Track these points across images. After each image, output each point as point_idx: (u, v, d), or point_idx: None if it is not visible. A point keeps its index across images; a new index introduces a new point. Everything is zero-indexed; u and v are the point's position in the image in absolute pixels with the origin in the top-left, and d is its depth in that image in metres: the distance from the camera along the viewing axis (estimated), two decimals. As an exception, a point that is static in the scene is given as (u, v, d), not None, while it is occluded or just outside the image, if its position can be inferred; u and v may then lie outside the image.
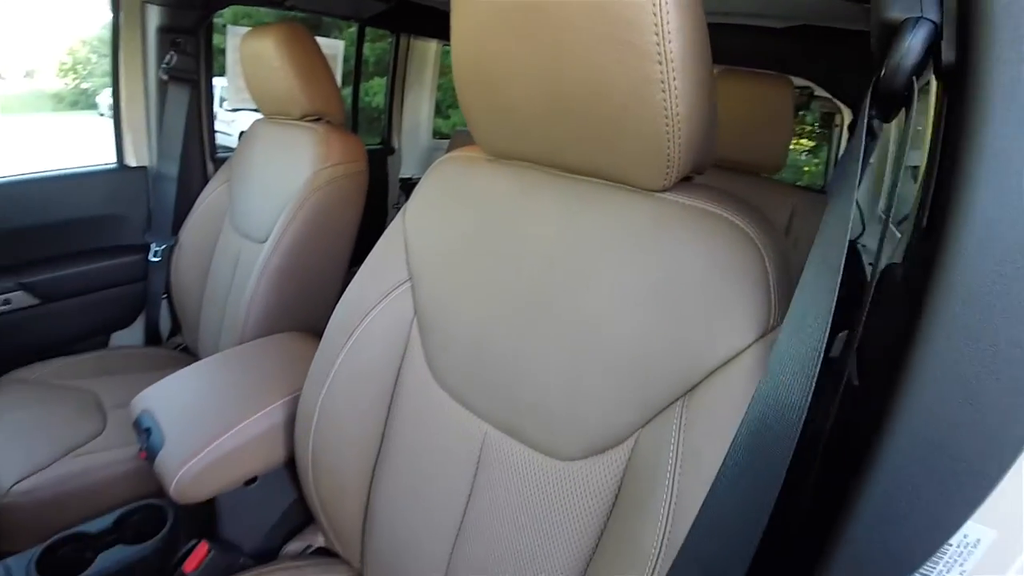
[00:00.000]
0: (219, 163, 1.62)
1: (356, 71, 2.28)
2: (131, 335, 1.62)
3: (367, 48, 2.32)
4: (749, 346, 0.52)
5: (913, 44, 0.39)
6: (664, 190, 0.57)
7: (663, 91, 0.48)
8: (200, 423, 0.87)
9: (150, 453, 0.85)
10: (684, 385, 0.54)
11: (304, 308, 0.87)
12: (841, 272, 0.41)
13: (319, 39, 1.35)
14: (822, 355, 0.40)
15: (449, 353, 0.72)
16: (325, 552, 0.91)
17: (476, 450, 0.69)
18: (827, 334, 0.41)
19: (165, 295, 1.57)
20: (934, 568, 0.40)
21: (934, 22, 0.39)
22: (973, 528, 0.38)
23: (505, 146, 0.68)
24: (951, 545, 0.39)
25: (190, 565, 0.84)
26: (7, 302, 1.38)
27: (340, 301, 0.83)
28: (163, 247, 1.54)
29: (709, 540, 0.45)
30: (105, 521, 0.95)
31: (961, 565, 0.39)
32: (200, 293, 1.45)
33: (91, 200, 1.52)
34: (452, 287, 0.72)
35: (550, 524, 0.62)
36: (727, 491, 0.44)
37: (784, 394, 0.42)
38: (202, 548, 0.85)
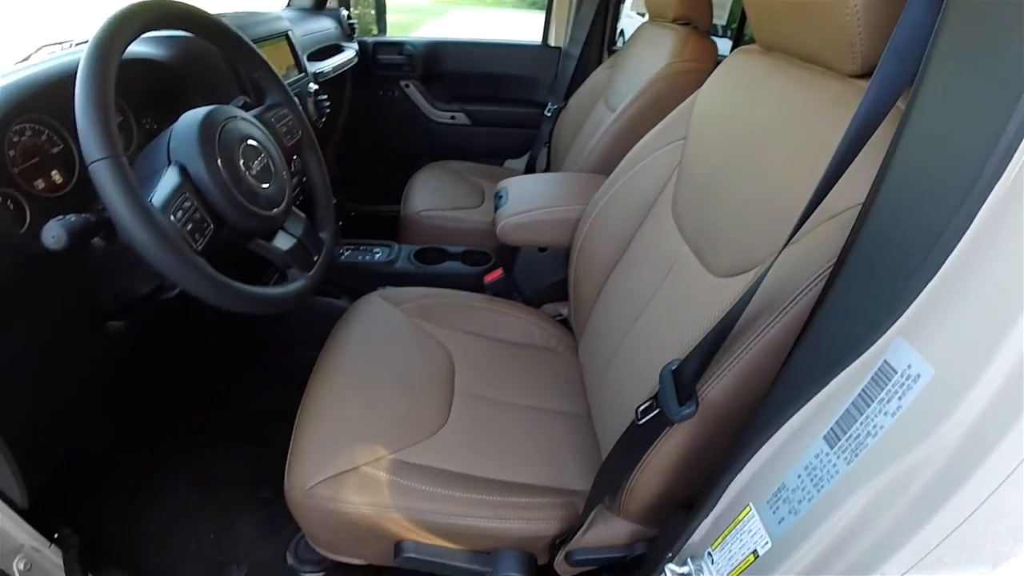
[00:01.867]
0: (611, 53, 2.06)
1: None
2: (517, 164, 2.26)
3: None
4: (849, 208, 0.61)
5: None
6: (856, 76, 0.70)
7: None
8: (529, 201, 1.33)
9: (496, 209, 1.34)
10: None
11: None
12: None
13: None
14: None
15: (686, 191, 0.98)
16: (565, 322, 1.31)
17: (672, 261, 0.94)
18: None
19: (547, 143, 2.11)
20: (877, 393, 0.44)
21: None
22: (916, 361, 0.41)
23: (766, 40, 0.89)
24: (895, 372, 0.43)
25: (488, 278, 1.36)
26: (453, 117, 2.12)
27: (636, 144, 1.14)
28: (555, 107, 2.07)
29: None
30: (457, 248, 1.52)
31: (900, 398, 0.42)
32: (569, 145, 1.93)
33: (519, 64, 2.16)
34: (706, 143, 0.96)
35: (681, 327, 0.81)
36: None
37: None
38: (499, 272, 1.35)
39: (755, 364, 0.64)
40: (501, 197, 1.36)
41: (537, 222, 1.29)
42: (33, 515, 0.85)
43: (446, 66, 2.10)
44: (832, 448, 0.48)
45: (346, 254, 1.47)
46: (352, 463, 0.86)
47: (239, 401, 1.45)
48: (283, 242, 0.87)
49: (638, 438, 0.73)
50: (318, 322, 1.31)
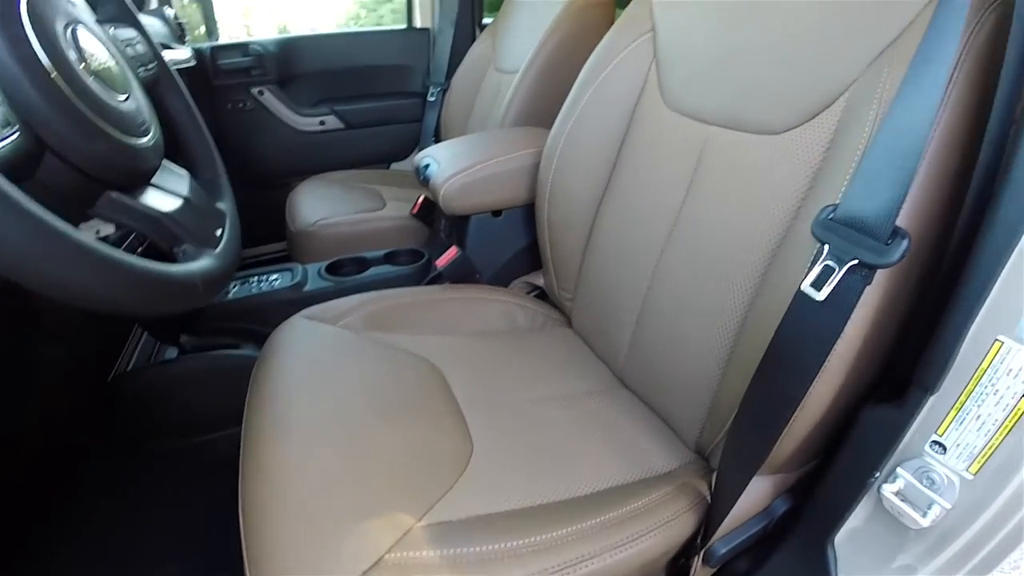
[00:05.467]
0: (483, 28, 1.86)
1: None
2: (405, 166, 1.95)
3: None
4: None
5: None
6: None
7: None
8: (465, 157, 1.05)
9: (426, 178, 1.05)
10: (892, 32, 0.53)
11: (550, 120, 1.02)
12: None
13: None
14: None
15: (684, 73, 0.78)
16: (544, 296, 1.05)
17: (697, 153, 0.73)
18: None
19: (434, 136, 1.84)
20: None
21: None
22: None
23: None
24: None
25: (442, 261, 1.06)
26: (323, 123, 1.79)
27: (591, 55, 0.92)
28: (438, 90, 1.81)
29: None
30: (378, 253, 1.20)
31: None
32: (464, 126, 1.69)
33: (386, 52, 1.87)
34: (692, 23, 0.78)
35: (756, 197, 0.64)
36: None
37: None
38: (453, 251, 1.05)
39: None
40: (428, 165, 1.06)
41: (488, 177, 1.01)
42: None
43: (304, 65, 1.76)
44: None
45: (233, 290, 1.08)
46: (369, 555, 0.52)
47: (127, 527, 0.96)
48: (162, 202, 0.52)
49: (812, 332, 0.48)
50: (220, 386, 0.93)
